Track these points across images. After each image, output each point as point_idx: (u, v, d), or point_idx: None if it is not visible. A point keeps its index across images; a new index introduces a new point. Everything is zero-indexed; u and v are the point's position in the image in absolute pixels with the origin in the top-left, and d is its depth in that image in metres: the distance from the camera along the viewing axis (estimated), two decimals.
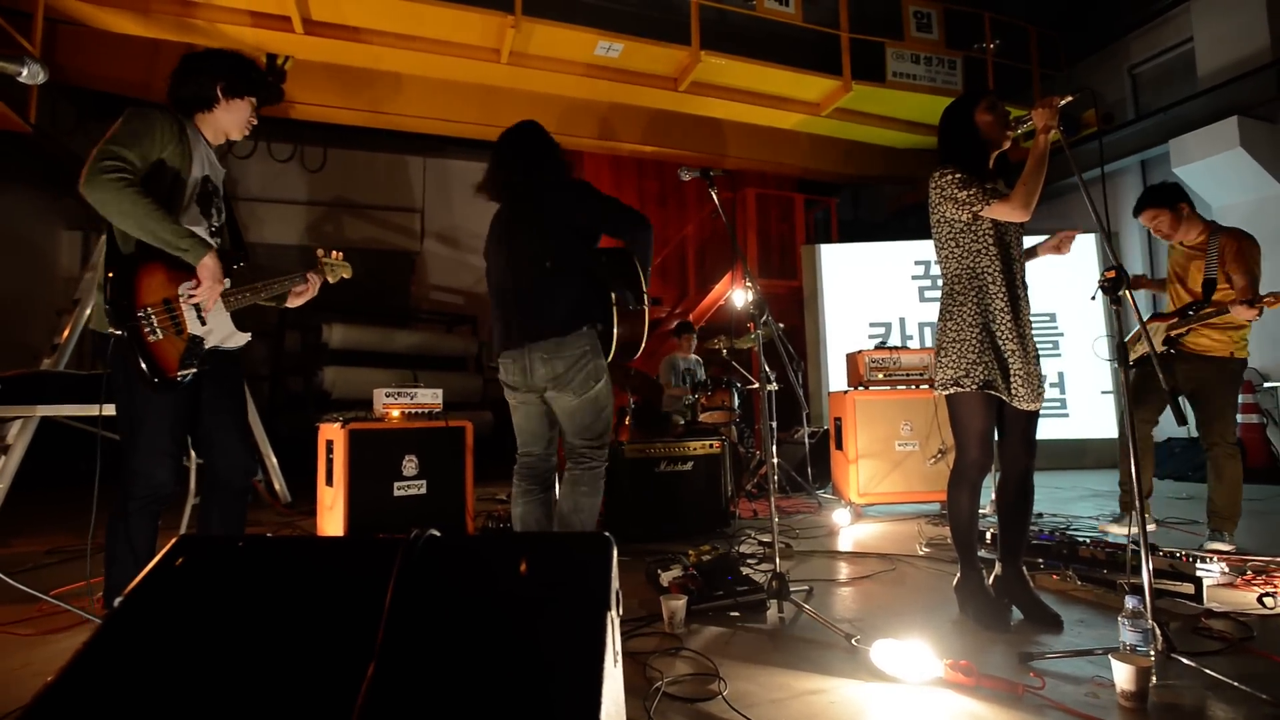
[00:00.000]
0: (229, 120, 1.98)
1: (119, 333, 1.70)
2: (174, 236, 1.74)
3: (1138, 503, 1.72)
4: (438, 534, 0.95)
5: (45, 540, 3.52)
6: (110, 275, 1.72)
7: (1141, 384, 3.19)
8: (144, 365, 1.72)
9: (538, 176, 2.34)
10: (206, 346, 1.87)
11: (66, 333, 4.00)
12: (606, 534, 0.95)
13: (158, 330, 1.75)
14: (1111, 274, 1.80)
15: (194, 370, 1.81)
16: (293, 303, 2.17)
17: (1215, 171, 6.07)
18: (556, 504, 2.33)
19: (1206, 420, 3.03)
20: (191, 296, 1.81)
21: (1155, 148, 6.82)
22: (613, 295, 2.28)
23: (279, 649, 0.85)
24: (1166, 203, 3.11)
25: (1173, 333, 3.07)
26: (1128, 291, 1.80)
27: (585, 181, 2.39)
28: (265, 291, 2.03)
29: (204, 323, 1.86)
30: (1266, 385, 5.49)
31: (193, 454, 2.23)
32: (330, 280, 2.28)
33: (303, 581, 0.93)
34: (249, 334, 2.03)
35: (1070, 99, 1.98)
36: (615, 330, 2.28)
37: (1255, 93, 6.00)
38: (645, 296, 2.36)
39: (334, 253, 2.32)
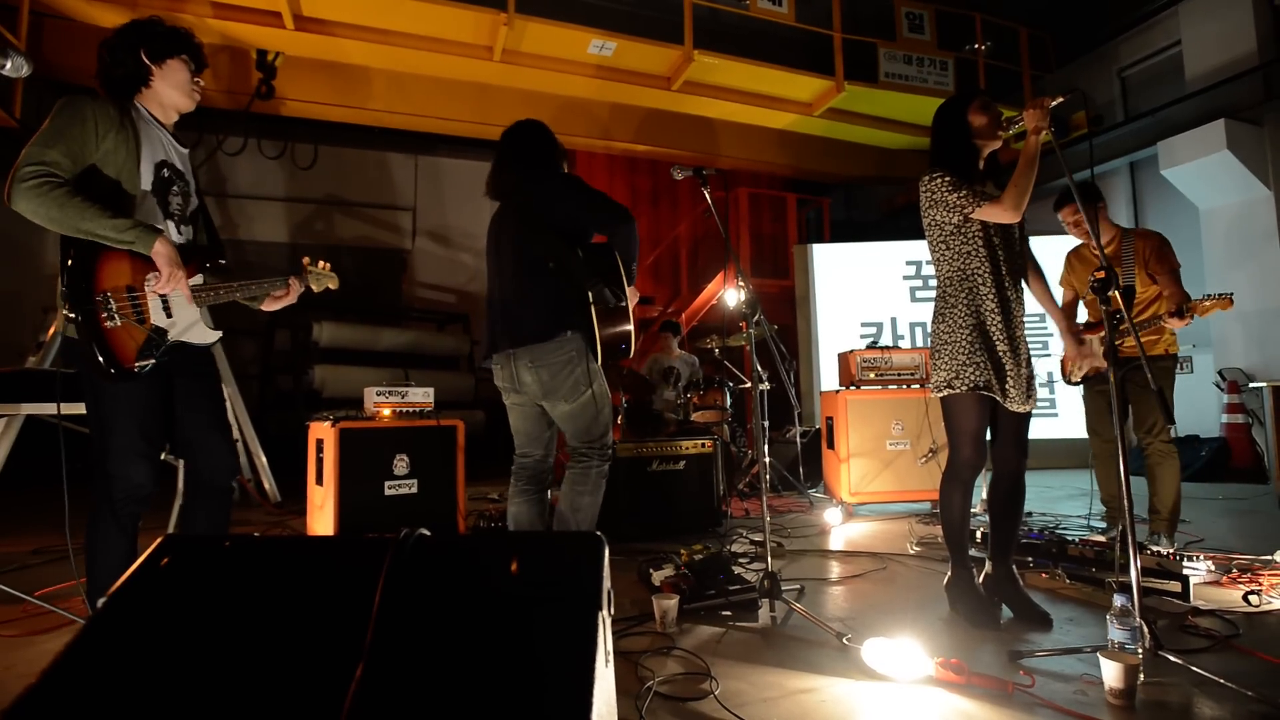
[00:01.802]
0: (169, 88, 1.83)
1: (73, 316, 1.60)
2: (114, 230, 1.61)
3: (1125, 503, 1.73)
4: (427, 533, 0.94)
5: (30, 540, 3.48)
6: (70, 258, 1.62)
7: (1099, 402, 3.19)
8: (99, 355, 1.62)
9: (524, 174, 2.30)
10: (170, 338, 1.78)
11: (53, 330, 3.95)
12: (598, 533, 0.94)
13: (116, 316, 1.65)
14: (1101, 274, 1.82)
15: (152, 362, 1.72)
16: (269, 306, 2.07)
17: (1203, 174, 6.13)
18: (555, 503, 2.31)
19: (1141, 420, 3.00)
20: (157, 286, 1.71)
21: (1144, 150, 6.88)
22: (589, 295, 2.20)
23: (266, 650, 0.84)
24: (1090, 200, 3.01)
25: (1117, 343, 3.03)
26: (1116, 293, 1.81)
27: (571, 176, 2.31)
28: (241, 291, 1.93)
29: (169, 314, 1.77)
30: (1252, 385, 5.55)
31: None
32: (314, 289, 2.18)
33: (290, 582, 0.92)
34: (219, 332, 1.94)
35: (1061, 100, 1.99)
36: (597, 332, 2.21)
37: (1242, 96, 6.07)
38: (627, 292, 2.27)
39: (321, 263, 2.21)
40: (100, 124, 1.69)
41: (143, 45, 1.80)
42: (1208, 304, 2.77)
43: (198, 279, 1.85)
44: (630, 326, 2.32)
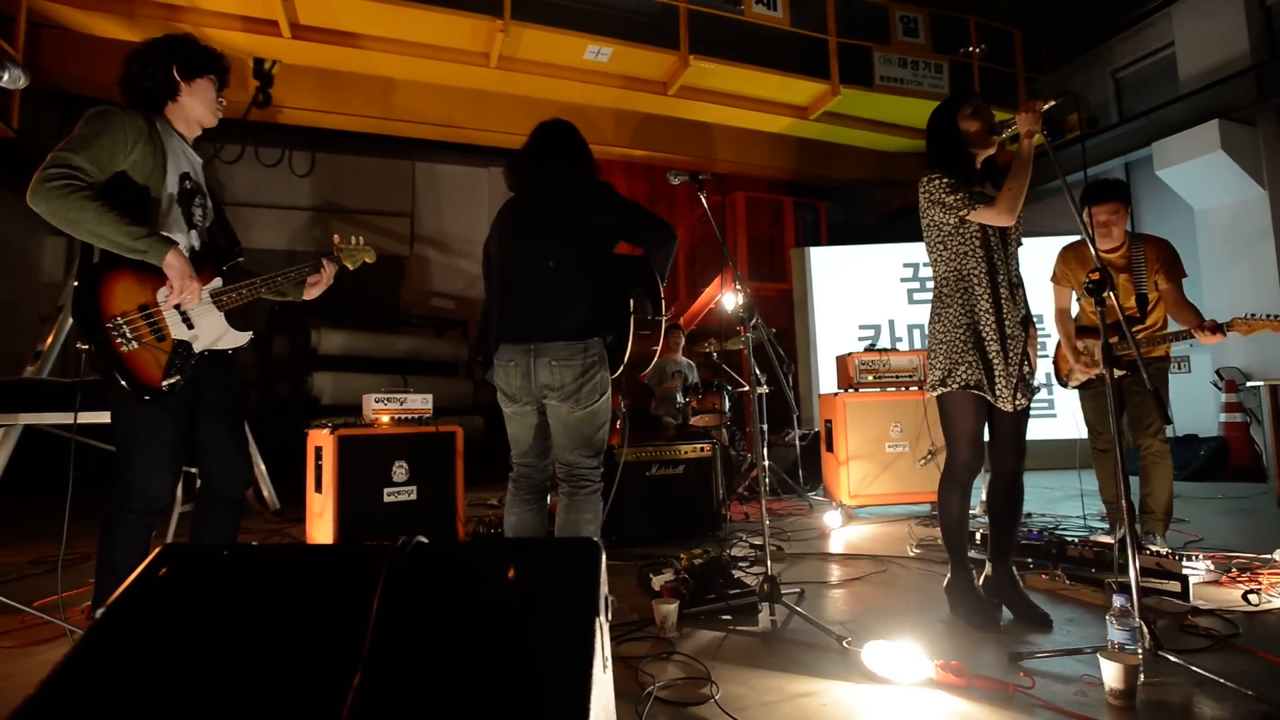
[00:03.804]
0: (196, 104, 1.86)
1: (86, 346, 1.60)
2: (128, 239, 1.61)
3: (1124, 503, 1.74)
4: (424, 540, 0.94)
5: (28, 551, 3.47)
6: (76, 287, 1.62)
7: (1096, 404, 3.17)
8: (121, 380, 1.61)
9: (562, 172, 2.25)
10: (197, 350, 1.77)
11: (50, 340, 3.95)
12: (595, 539, 0.95)
13: (131, 340, 1.64)
14: (1096, 276, 1.82)
15: (179, 378, 1.71)
16: (309, 294, 2.07)
17: (1197, 174, 6.16)
18: (554, 509, 2.30)
19: (1137, 420, 2.95)
20: (170, 299, 1.71)
21: (1139, 150, 6.91)
22: (631, 302, 2.14)
23: (264, 659, 0.85)
24: (1126, 200, 2.97)
25: (1122, 354, 2.88)
26: (1111, 293, 1.82)
27: (609, 184, 2.29)
28: (267, 286, 1.91)
29: (190, 326, 1.76)
30: (1249, 384, 5.56)
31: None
32: (350, 266, 2.17)
33: (288, 590, 0.92)
34: (249, 333, 1.92)
35: (1053, 104, 2.00)
36: (629, 343, 2.14)
37: (1235, 96, 6.10)
38: (663, 305, 2.24)
39: (354, 238, 2.19)
40: (130, 134, 1.70)
41: (176, 61, 1.83)
42: (1258, 323, 2.58)
43: (216, 283, 1.84)
44: (660, 343, 2.28)
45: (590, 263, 2.13)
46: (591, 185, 2.24)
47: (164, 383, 1.69)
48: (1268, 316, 2.60)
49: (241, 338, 1.91)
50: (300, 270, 2.01)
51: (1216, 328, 2.63)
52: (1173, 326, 2.93)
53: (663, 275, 2.27)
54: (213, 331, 1.83)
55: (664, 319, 2.28)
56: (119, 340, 1.63)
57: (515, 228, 2.27)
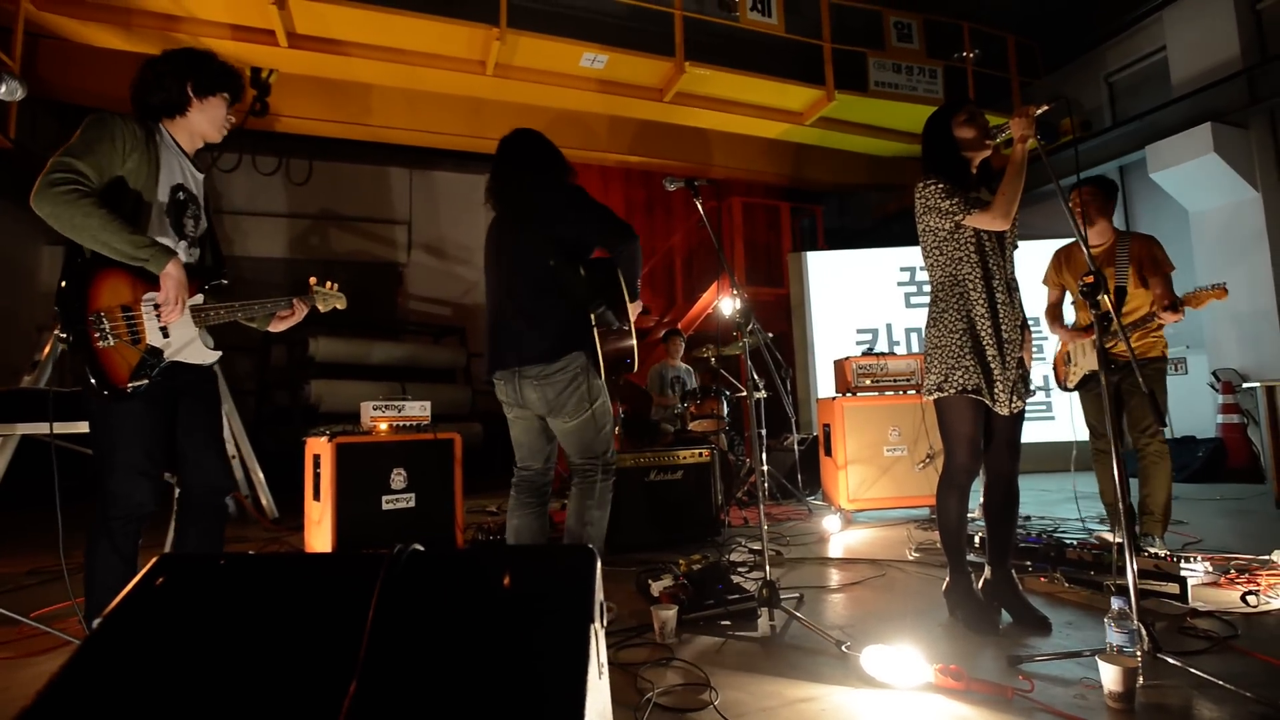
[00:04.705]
0: (204, 121, 1.88)
1: (64, 336, 1.62)
2: (132, 247, 1.64)
3: (1121, 506, 1.74)
4: (420, 548, 0.94)
5: (25, 561, 3.46)
6: (63, 281, 1.64)
7: (1096, 404, 3.16)
8: (90, 376, 1.63)
9: (526, 184, 2.28)
10: (166, 358, 1.78)
11: (47, 349, 3.94)
12: (589, 546, 0.95)
13: (109, 336, 1.66)
14: (1090, 279, 1.83)
15: (145, 382, 1.72)
16: (275, 327, 2.09)
17: (1191, 177, 6.19)
18: (556, 517, 2.31)
19: (1136, 421, 2.99)
20: (156, 307, 1.72)
21: (1132, 154, 6.94)
22: (592, 318, 2.20)
23: (260, 668, 0.84)
24: (1106, 190, 3.05)
25: (1109, 345, 2.95)
26: (1105, 296, 1.82)
27: (576, 188, 2.30)
28: (244, 312, 1.95)
29: (165, 334, 1.77)
30: (1246, 386, 5.58)
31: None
32: (321, 309, 2.20)
33: (284, 599, 0.92)
34: (218, 352, 1.94)
35: (1046, 108, 2.01)
36: (600, 354, 2.21)
37: (1228, 99, 6.14)
38: (629, 313, 2.28)
39: (328, 283, 2.23)
40: (127, 142, 1.72)
41: (192, 78, 1.84)
42: (1203, 294, 2.79)
43: (198, 298, 1.86)
44: (633, 343, 2.32)
45: (560, 281, 2.19)
46: (555, 195, 2.26)
47: (130, 384, 1.70)
48: (1211, 287, 2.80)
49: (210, 355, 1.91)
50: (276, 303, 2.04)
51: (1172, 305, 2.82)
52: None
53: (630, 276, 2.29)
54: (184, 342, 1.83)
55: (629, 328, 2.31)
56: (97, 335, 1.65)
57: (491, 251, 2.35)
